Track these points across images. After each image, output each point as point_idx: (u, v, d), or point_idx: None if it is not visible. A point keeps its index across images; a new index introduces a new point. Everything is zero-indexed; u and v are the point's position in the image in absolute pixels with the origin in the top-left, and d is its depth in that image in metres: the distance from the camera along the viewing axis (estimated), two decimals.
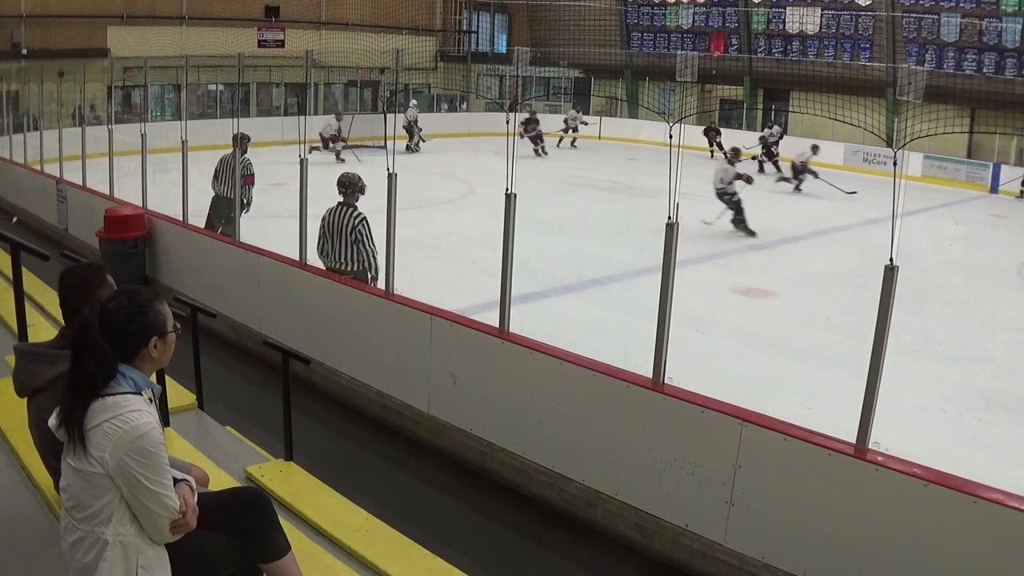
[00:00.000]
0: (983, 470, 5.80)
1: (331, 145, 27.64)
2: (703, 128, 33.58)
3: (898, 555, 5.35)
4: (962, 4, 33.73)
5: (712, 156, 32.27)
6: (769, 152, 31.01)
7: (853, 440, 5.57)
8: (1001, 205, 28.14)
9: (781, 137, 32.62)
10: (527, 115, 33.77)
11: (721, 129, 34.40)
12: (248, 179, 13.17)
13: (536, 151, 32.39)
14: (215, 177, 13.35)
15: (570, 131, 36.16)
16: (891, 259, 5.29)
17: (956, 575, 5.18)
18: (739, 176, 18.39)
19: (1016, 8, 32.78)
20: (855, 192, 25.05)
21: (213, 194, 13.47)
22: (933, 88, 32.73)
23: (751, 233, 18.22)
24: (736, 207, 18.38)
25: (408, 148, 30.28)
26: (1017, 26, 32.85)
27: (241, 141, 12.87)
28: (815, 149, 26.48)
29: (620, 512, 6.64)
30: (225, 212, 13.02)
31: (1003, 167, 31.58)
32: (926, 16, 34.33)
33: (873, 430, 5.57)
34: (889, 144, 26.43)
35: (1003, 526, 5.00)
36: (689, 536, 6.26)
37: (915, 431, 8.21)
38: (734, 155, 19.11)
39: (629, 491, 6.62)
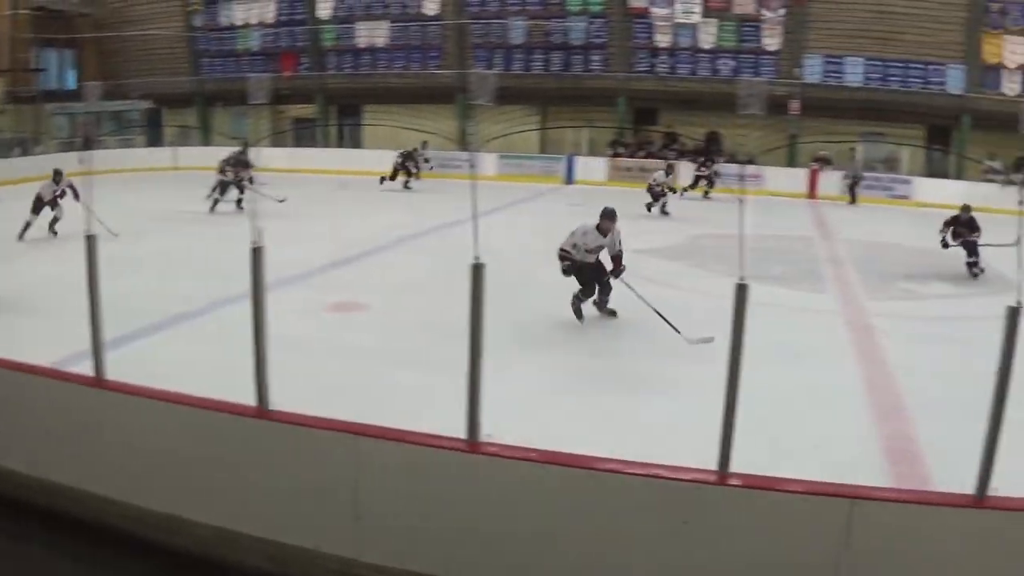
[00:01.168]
0: (596, 443, 6.19)
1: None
2: (400, 153, 32.01)
3: (527, 536, 5.61)
4: (528, 7, 35.41)
5: (409, 185, 31.36)
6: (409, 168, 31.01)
7: (466, 436, 5.80)
8: (579, 194, 29.86)
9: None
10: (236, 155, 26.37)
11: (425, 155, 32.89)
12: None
13: (214, 200, 24.72)
14: None
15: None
16: (476, 257, 5.52)
17: (582, 545, 5.52)
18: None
19: (581, 6, 34.80)
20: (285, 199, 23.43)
21: None
22: (504, 90, 34.34)
23: None
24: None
25: None
26: (582, 24, 34.90)
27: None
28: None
29: (251, 546, 6.53)
30: None
31: (577, 158, 33.71)
32: (494, 21, 35.79)
33: (488, 422, 5.81)
34: (463, 147, 27.19)
35: (618, 493, 5.39)
36: (323, 557, 6.26)
37: (528, 418, 8.51)
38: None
39: (256, 523, 6.51)
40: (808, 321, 13.81)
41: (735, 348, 5.39)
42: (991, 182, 32.06)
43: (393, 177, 31.19)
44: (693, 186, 30.46)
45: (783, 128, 34.33)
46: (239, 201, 24.67)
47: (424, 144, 34.10)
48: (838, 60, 33.86)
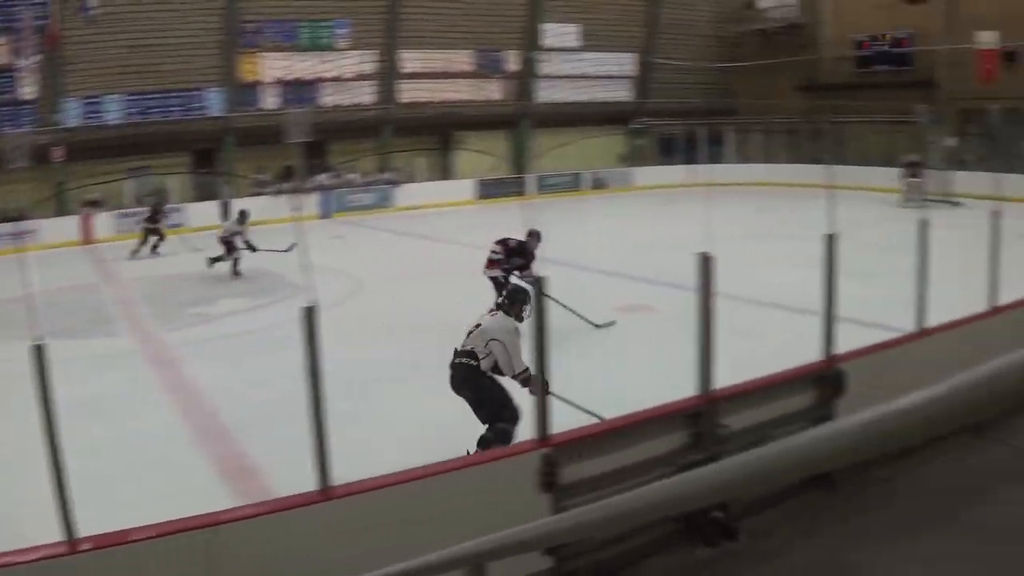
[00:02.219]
0: None
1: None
2: None
3: None
4: None
5: None
6: None
7: None
8: None
9: None
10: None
11: None
12: None
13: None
14: None
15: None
16: None
17: None
18: None
19: None
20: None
21: None
22: None
23: None
24: None
25: None
26: None
27: None
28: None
29: None
30: None
31: None
32: None
33: None
34: None
35: None
36: None
37: None
38: None
39: None
40: (110, 368, 13.44)
41: (46, 411, 5.05)
42: (261, 194, 33.40)
43: None
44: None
45: (50, 177, 33.26)
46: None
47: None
48: (97, 100, 33.40)
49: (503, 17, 38.63)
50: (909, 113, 33.07)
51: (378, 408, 10.49)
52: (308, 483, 5.62)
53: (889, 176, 31.70)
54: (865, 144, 37.56)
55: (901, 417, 1.21)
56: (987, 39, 34.81)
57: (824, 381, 8.14)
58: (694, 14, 42.77)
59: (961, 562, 6.67)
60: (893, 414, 1.22)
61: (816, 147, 39.05)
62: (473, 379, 8.55)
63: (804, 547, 6.98)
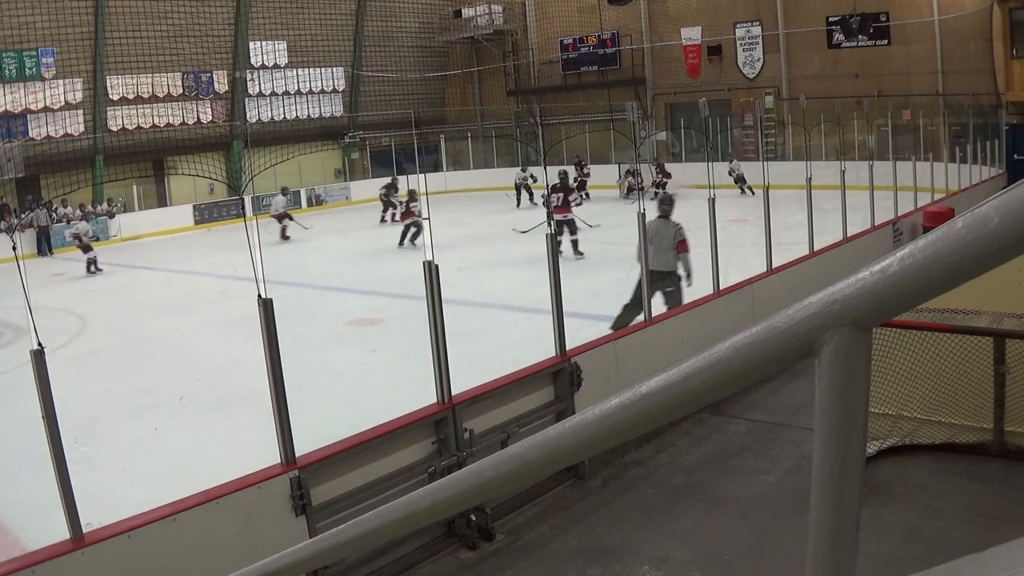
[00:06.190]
0: None
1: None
2: None
3: None
4: None
5: None
6: None
7: None
8: None
9: None
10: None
11: None
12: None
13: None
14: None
15: None
16: None
17: None
18: None
19: None
20: None
21: None
22: None
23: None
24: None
25: None
26: None
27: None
28: None
29: None
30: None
31: None
32: None
33: None
34: None
35: None
36: None
37: None
38: None
39: None
40: None
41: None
42: None
43: None
44: None
45: None
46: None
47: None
48: None
49: (210, 37, 37.72)
50: (619, 111, 34.36)
51: (117, 445, 10.11)
52: (58, 533, 5.40)
53: (606, 173, 32.78)
54: (579, 143, 38.54)
55: (641, 403, 1.27)
56: (691, 35, 36.65)
57: (561, 376, 8.41)
58: (400, 26, 43.00)
59: (714, 535, 7.02)
60: (633, 401, 1.28)
61: (529, 150, 39.88)
62: None
63: (562, 539, 7.19)
